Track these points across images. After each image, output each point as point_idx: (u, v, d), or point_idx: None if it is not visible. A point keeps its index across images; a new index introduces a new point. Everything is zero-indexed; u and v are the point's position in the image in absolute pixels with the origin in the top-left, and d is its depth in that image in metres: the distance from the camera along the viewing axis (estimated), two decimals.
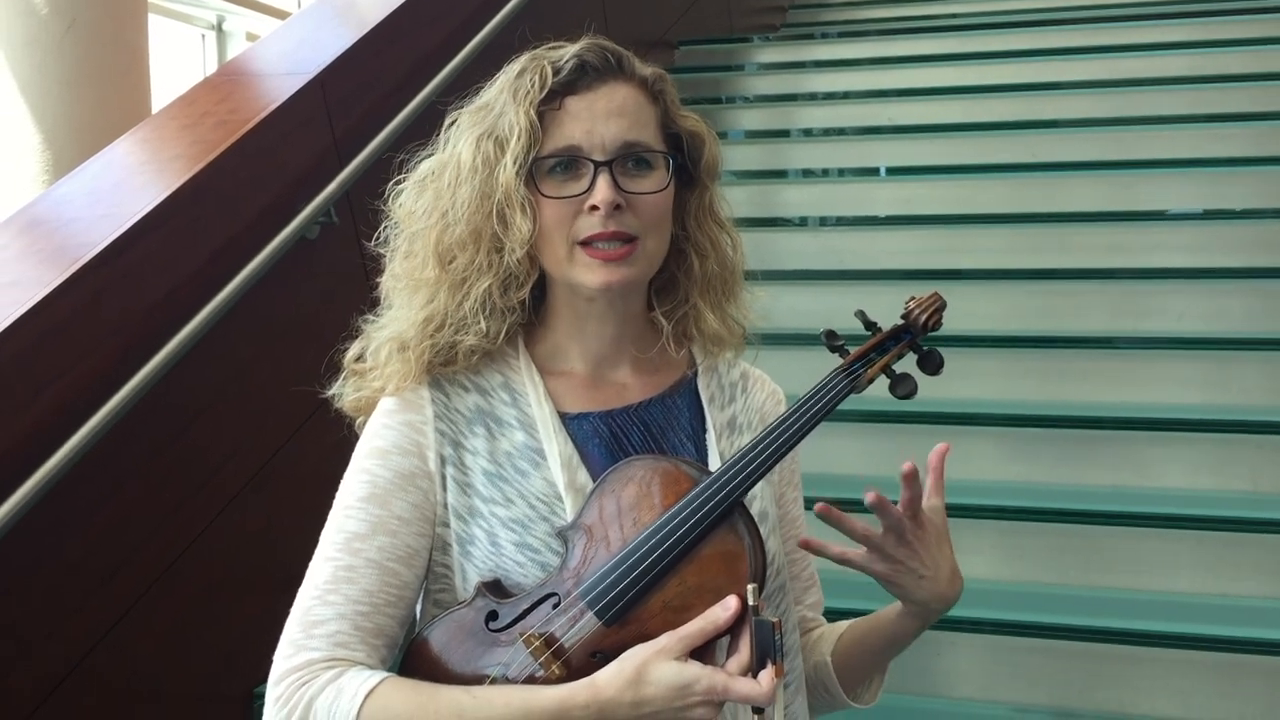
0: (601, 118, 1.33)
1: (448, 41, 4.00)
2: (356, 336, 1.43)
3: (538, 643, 1.24)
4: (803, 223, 5.38)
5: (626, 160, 1.33)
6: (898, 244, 4.67)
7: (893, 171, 5.40)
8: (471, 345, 1.36)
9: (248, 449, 3.00)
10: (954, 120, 5.43)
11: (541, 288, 1.40)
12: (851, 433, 3.42)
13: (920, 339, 1.36)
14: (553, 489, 1.33)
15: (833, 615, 1.54)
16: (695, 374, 1.45)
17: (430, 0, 4.02)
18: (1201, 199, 4.77)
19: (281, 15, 7.64)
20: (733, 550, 1.24)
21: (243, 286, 2.93)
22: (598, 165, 1.32)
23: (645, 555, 1.24)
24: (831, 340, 1.35)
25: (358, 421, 1.43)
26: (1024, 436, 3.52)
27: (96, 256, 2.64)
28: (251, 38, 7.67)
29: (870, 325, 1.36)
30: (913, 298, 1.36)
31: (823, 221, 5.31)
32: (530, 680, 1.24)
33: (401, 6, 3.83)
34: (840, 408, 1.32)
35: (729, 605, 1.21)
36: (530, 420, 1.37)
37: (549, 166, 1.34)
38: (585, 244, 1.32)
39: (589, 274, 1.32)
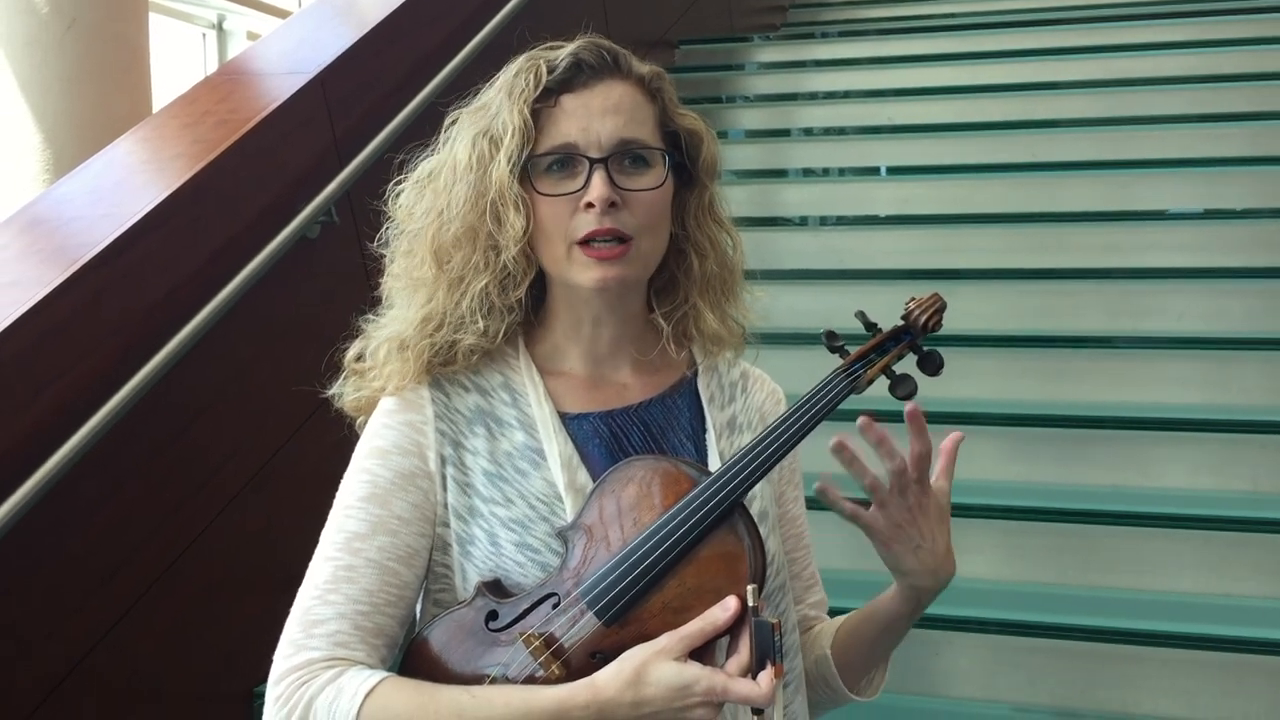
0: (597, 115, 1.33)
1: (448, 41, 4.00)
2: (356, 336, 1.43)
3: (537, 643, 1.24)
4: (803, 222, 5.39)
5: (623, 158, 1.33)
6: (897, 243, 4.68)
7: (893, 171, 5.41)
8: (471, 345, 1.36)
9: (248, 449, 3.00)
10: (953, 120, 5.44)
11: (541, 288, 1.40)
12: (851, 433, 3.41)
13: (920, 340, 1.36)
14: (553, 489, 1.33)
15: (834, 615, 1.54)
16: (695, 374, 1.45)
17: (430, 0, 4.02)
18: (1200, 199, 4.77)
19: (282, 15, 7.64)
20: (732, 551, 1.24)
21: (243, 286, 2.93)
22: (593, 162, 1.32)
23: (645, 555, 1.24)
24: (831, 341, 1.35)
25: (358, 421, 1.43)
26: (1023, 436, 3.52)
27: (97, 256, 2.64)
28: (252, 37, 7.66)
29: (870, 326, 1.36)
30: (913, 298, 1.36)
31: (823, 221, 5.32)
32: (530, 680, 1.24)
33: (401, 6, 3.83)
34: (840, 408, 1.32)
35: (728, 606, 1.21)
36: (530, 420, 1.37)
37: (545, 164, 1.34)
38: (583, 244, 1.32)
39: (585, 273, 1.32)
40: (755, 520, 1.28)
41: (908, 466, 1.30)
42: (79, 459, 2.46)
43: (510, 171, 1.32)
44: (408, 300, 1.39)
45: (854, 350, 1.35)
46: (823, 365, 1.34)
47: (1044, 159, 4.94)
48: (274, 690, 1.26)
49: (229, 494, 2.92)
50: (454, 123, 1.41)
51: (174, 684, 2.77)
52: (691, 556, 1.24)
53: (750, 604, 1.21)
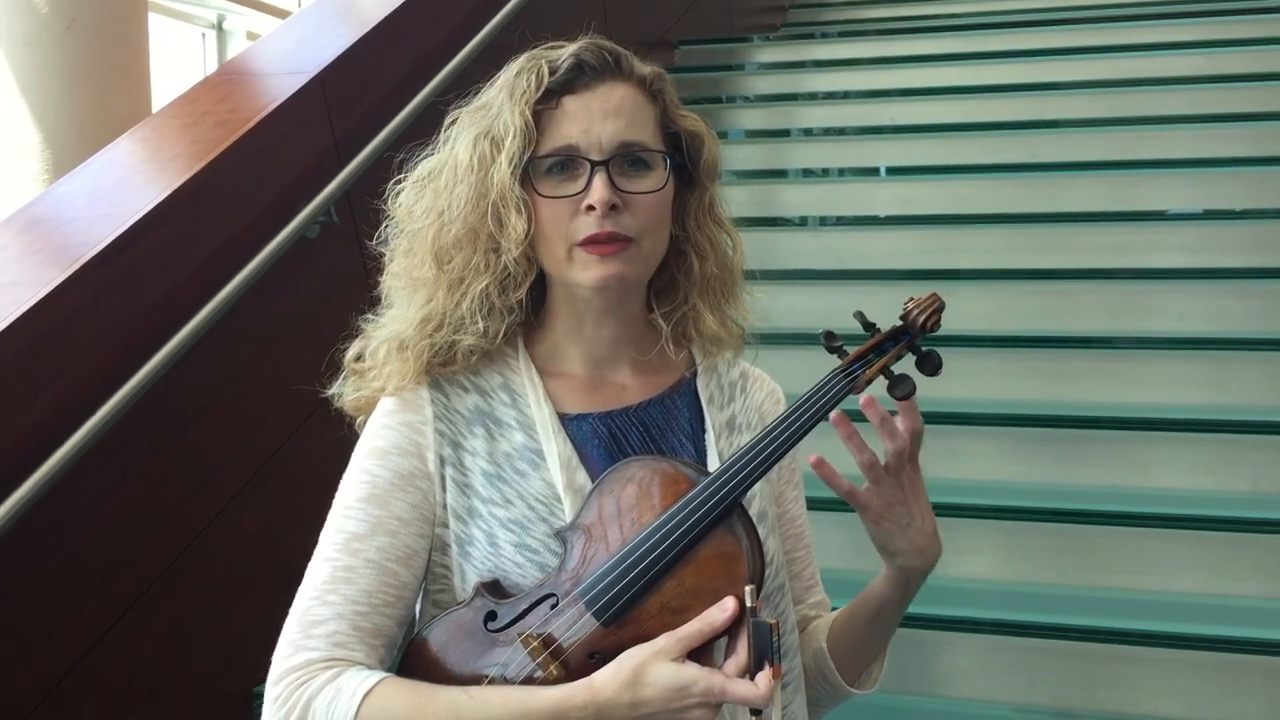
0: (599, 117, 1.33)
1: (448, 41, 4.00)
2: (356, 336, 1.43)
3: (536, 643, 1.24)
4: (803, 222, 5.39)
5: (624, 160, 1.33)
6: (897, 244, 4.68)
7: (893, 171, 5.41)
8: (470, 345, 1.36)
9: (247, 448, 3.00)
10: (954, 120, 5.43)
11: (541, 288, 1.40)
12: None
13: (919, 340, 1.36)
14: (551, 490, 1.33)
15: None
16: (694, 374, 1.45)
17: (430, 0, 4.02)
18: (1202, 199, 4.77)
19: (282, 14, 7.64)
20: (731, 552, 1.24)
21: (242, 286, 2.93)
22: (594, 165, 1.32)
23: (643, 556, 1.24)
24: (830, 341, 1.35)
25: (358, 421, 1.43)
26: (1023, 436, 3.52)
27: (97, 256, 2.64)
28: (252, 37, 7.67)
29: (869, 326, 1.36)
30: (911, 299, 1.36)
31: (823, 221, 5.32)
32: (528, 681, 1.24)
33: (401, 6, 3.83)
34: (839, 408, 1.32)
35: (727, 607, 1.21)
36: (529, 421, 1.37)
37: (546, 166, 1.34)
38: (583, 245, 1.32)
39: (585, 272, 1.32)
40: (754, 521, 1.28)
41: (907, 445, 1.31)
42: (79, 458, 2.46)
43: (512, 174, 1.32)
44: (407, 300, 1.39)
45: (852, 350, 1.35)
46: (822, 365, 1.34)
47: (1046, 159, 4.94)
48: (273, 690, 1.26)
49: (229, 494, 2.92)
50: (454, 122, 1.40)
51: (174, 684, 2.77)
52: (690, 557, 1.24)
53: (748, 605, 1.21)
